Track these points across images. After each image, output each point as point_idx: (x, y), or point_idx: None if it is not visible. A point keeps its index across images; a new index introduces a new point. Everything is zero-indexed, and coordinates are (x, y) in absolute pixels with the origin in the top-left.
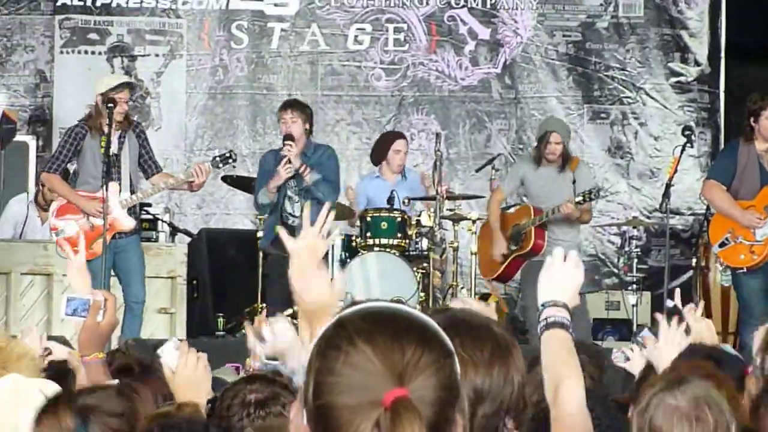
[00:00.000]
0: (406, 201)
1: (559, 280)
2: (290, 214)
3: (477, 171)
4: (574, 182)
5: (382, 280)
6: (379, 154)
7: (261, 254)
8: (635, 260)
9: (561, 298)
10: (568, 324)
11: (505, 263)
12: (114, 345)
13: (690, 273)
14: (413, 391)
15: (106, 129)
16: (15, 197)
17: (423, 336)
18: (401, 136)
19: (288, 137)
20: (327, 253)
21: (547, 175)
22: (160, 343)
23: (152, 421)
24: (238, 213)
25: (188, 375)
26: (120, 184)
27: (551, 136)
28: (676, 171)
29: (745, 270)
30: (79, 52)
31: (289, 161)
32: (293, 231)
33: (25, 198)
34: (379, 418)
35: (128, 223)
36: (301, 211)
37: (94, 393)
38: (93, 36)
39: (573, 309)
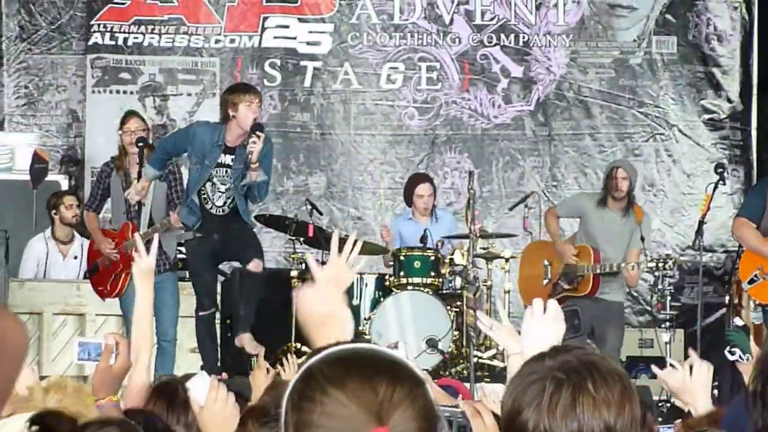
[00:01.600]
0: (440, 243)
1: (542, 332)
2: (214, 203)
3: (510, 209)
4: (642, 240)
5: (416, 319)
6: (406, 197)
7: (294, 293)
8: (668, 298)
9: None
10: None
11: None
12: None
13: (723, 311)
14: (393, 427)
15: (131, 168)
16: (35, 237)
17: (392, 371)
18: (424, 179)
19: (259, 127)
20: (360, 291)
21: (609, 218)
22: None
23: None
24: (271, 251)
25: (217, 411)
26: (139, 223)
27: (617, 171)
28: (708, 208)
29: None
30: (110, 92)
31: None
32: (214, 220)
33: (42, 236)
34: None
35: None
36: (228, 209)
37: (99, 431)
38: (125, 75)
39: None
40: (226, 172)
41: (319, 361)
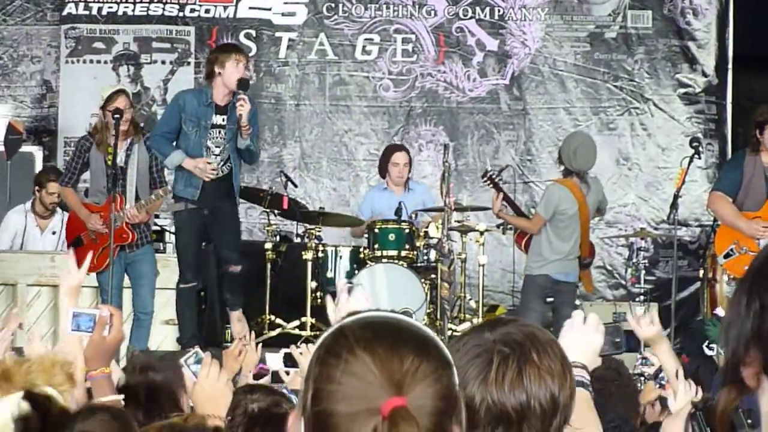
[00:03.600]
0: (414, 215)
1: (579, 342)
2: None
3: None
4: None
5: (390, 292)
6: (381, 167)
7: (269, 265)
8: (643, 271)
9: (580, 359)
10: (587, 383)
11: None
12: (122, 354)
13: (697, 284)
14: (411, 400)
15: (112, 141)
16: (13, 208)
17: (422, 346)
18: (399, 148)
19: (244, 85)
20: (335, 264)
21: None
22: (168, 355)
23: (159, 431)
24: (245, 223)
25: (210, 387)
26: (125, 197)
27: None
28: (683, 182)
29: None
30: (84, 62)
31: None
32: (208, 188)
33: (23, 208)
34: (376, 427)
35: (125, 236)
36: (225, 170)
37: (90, 418)
38: (99, 45)
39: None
40: (219, 132)
41: (352, 322)
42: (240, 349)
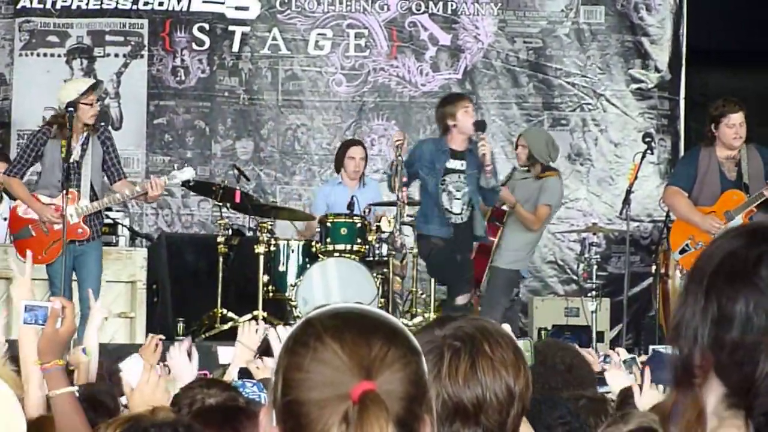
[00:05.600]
0: (367, 210)
1: None
2: (449, 210)
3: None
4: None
5: (342, 286)
6: (337, 161)
7: (221, 258)
8: (595, 267)
9: None
10: None
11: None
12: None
13: (649, 280)
14: (381, 385)
15: (75, 134)
16: None
17: (390, 333)
18: (356, 143)
19: (482, 124)
20: (287, 258)
21: (521, 180)
22: (120, 348)
23: (124, 423)
24: (198, 215)
25: (148, 393)
26: (79, 192)
27: (518, 139)
28: (636, 178)
29: None
30: (38, 55)
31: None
32: (455, 231)
33: None
34: (347, 412)
35: (81, 232)
36: (463, 210)
37: None
38: (53, 38)
39: None
40: (459, 177)
41: (320, 313)
42: (156, 343)
